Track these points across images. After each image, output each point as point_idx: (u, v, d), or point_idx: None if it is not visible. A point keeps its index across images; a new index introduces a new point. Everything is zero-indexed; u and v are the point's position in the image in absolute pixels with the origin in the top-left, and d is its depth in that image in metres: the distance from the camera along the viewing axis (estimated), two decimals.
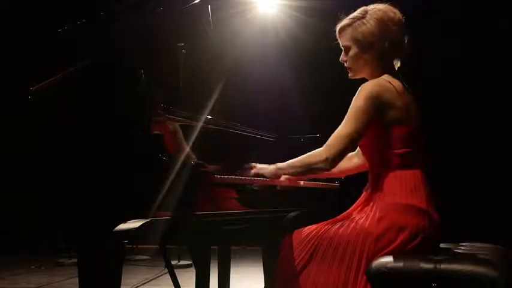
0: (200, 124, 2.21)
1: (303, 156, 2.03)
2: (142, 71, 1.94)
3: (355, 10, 2.05)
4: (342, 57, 2.07)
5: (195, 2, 2.23)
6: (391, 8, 2.01)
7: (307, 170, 2.03)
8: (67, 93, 2.06)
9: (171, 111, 2.10)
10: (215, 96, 2.37)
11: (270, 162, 2.15)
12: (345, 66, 2.09)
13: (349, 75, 2.09)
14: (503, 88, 5.16)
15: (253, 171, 2.12)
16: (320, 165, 1.95)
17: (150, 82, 1.94)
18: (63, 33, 2.23)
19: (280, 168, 2.08)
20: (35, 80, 2.09)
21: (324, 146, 1.96)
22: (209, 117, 2.32)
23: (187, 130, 2.14)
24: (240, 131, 2.46)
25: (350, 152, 1.98)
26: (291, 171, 2.07)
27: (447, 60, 5.04)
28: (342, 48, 2.07)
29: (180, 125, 2.13)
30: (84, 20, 2.20)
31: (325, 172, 2.04)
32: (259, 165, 2.14)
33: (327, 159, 1.92)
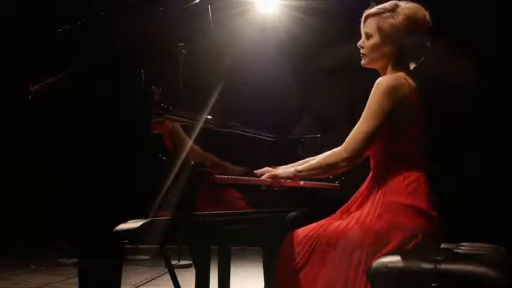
0: (200, 124, 2.21)
1: (321, 157, 2.03)
2: (142, 71, 1.94)
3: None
4: (361, 42, 2.07)
5: (195, 2, 2.23)
6: (422, 8, 2.00)
7: (330, 170, 2.04)
8: (67, 93, 2.06)
9: (171, 111, 2.10)
10: (215, 96, 2.37)
11: (269, 162, 2.15)
12: (360, 53, 2.08)
13: (362, 62, 2.08)
14: (503, 87, 5.16)
15: (268, 174, 2.09)
16: (341, 165, 1.96)
17: (150, 82, 1.94)
18: (63, 33, 2.23)
19: (299, 171, 2.06)
20: (35, 80, 2.09)
21: (343, 145, 1.95)
22: (209, 117, 2.32)
23: (186, 130, 2.14)
24: (240, 131, 2.46)
25: (370, 148, 1.96)
26: (311, 172, 2.05)
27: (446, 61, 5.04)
28: (363, 34, 2.06)
29: (180, 125, 2.13)
30: (84, 20, 2.20)
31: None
32: (277, 171, 2.12)
33: (347, 159, 1.93)
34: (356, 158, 1.94)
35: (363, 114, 1.93)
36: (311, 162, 2.07)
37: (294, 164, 2.26)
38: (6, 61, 5.03)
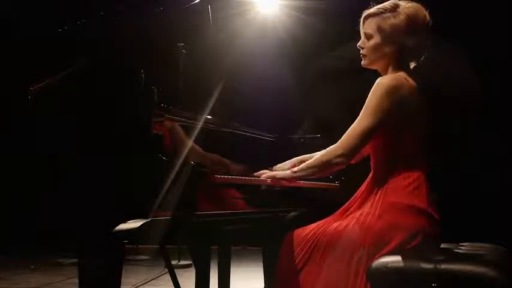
0: (200, 124, 2.21)
1: (318, 155, 2.02)
2: (142, 71, 1.94)
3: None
4: (360, 43, 2.05)
5: (195, 2, 2.23)
6: (422, 8, 2.00)
7: (325, 167, 1.99)
8: (67, 93, 2.06)
9: (171, 111, 2.10)
10: (215, 96, 2.37)
11: (269, 162, 2.15)
12: (360, 53, 2.06)
13: (362, 62, 2.07)
14: (503, 87, 5.16)
15: (266, 175, 2.09)
16: (337, 161, 1.93)
17: (150, 82, 1.94)
18: (63, 33, 2.23)
19: (295, 172, 2.04)
20: (35, 80, 2.09)
21: (339, 141, 1.94)
22: (209, 117, 2.32)
23: (186, 130, 2.14)
24: (240, 131, 2.46)
25: (365, 145, 1.95)
26: (308, 172, 2.02)
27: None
28: (363, 34, 2.04)
29: (179, 125, 2.13)
30: (84, 20, 2.20)
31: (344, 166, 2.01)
32: (272, 172, 2.11)
33: (342, 155, 1.91)
34: (351, 154, 1.92)
35: (361, 112, 1.92)
36: (307, 162, 2.05)
37: (288, 161, 2.26)
38: (6, 61, 5.03)
